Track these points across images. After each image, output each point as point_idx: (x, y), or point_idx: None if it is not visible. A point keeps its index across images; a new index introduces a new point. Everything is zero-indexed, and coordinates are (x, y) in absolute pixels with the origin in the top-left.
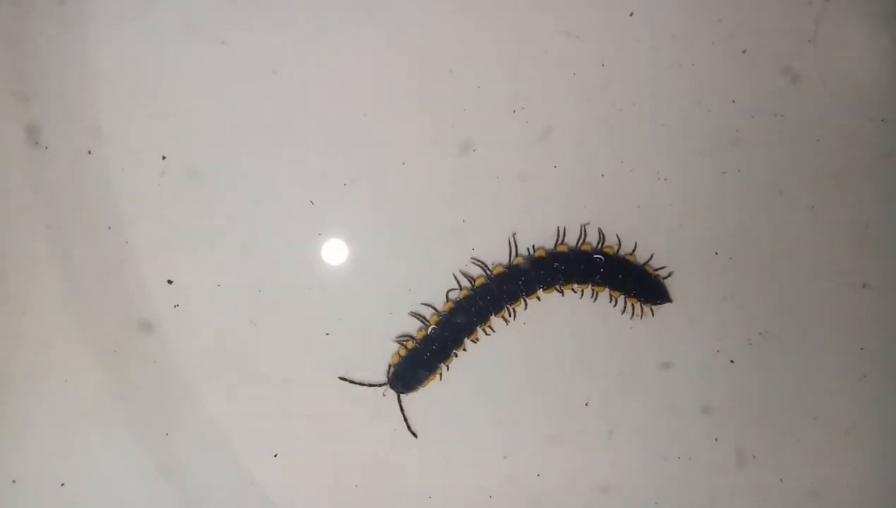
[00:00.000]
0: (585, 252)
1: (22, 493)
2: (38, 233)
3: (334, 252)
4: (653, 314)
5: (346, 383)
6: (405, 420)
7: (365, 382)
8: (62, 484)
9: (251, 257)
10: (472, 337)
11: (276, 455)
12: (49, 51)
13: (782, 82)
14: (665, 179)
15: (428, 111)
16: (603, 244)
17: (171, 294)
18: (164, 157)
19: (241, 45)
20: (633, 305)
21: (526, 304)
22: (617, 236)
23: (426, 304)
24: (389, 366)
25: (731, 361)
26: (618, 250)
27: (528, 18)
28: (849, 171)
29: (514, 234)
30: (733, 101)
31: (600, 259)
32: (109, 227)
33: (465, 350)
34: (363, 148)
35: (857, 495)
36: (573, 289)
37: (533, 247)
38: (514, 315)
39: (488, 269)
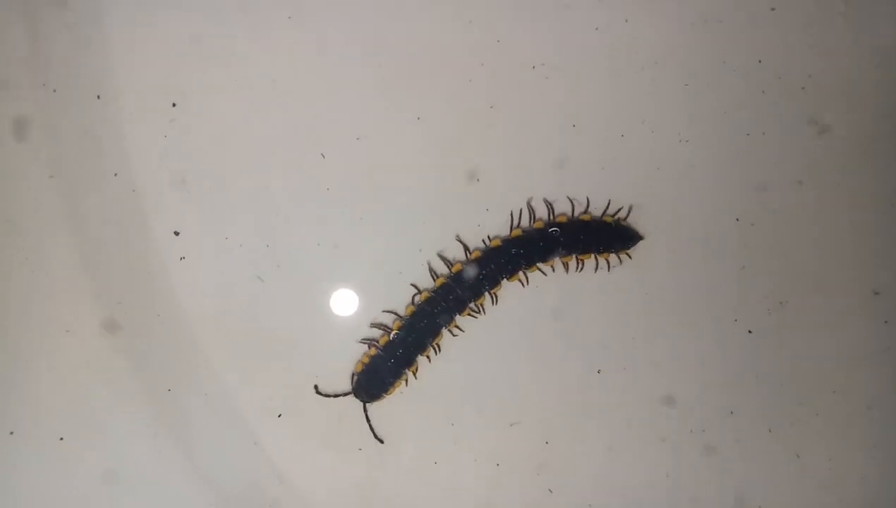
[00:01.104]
0: (539, 229)
1: (19, 445)
2: (45, 181)
3: (344, 208)
4: (630, 257)
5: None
6: (371, 428)
7: (331, 394)
8: (61, 438)
9: (260, 210)
10: (437, 341)
11: (279, 416)
12: None
13: (810, 41)
14: (686, 141)
15: (446, 64)
16: (554, 215)
17: (177, 245)
18: (174, 104)
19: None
20: (606, 259)
21: (494, 298)
22: (569, 199)
23: (389, 311)
24: (353, 374)
25: (749, 331)
26: (572, 213)
27: None
28: (878, 138)
29: (457, 236)
30: (759, 61)
31: (556, 231)
32: (116, 174)
33: (435, 352)
34: (377, 102)
35: (877, 471)
36: (541, 271)
37: (488, 237)
38: (483, 310)
39: (449, 266)
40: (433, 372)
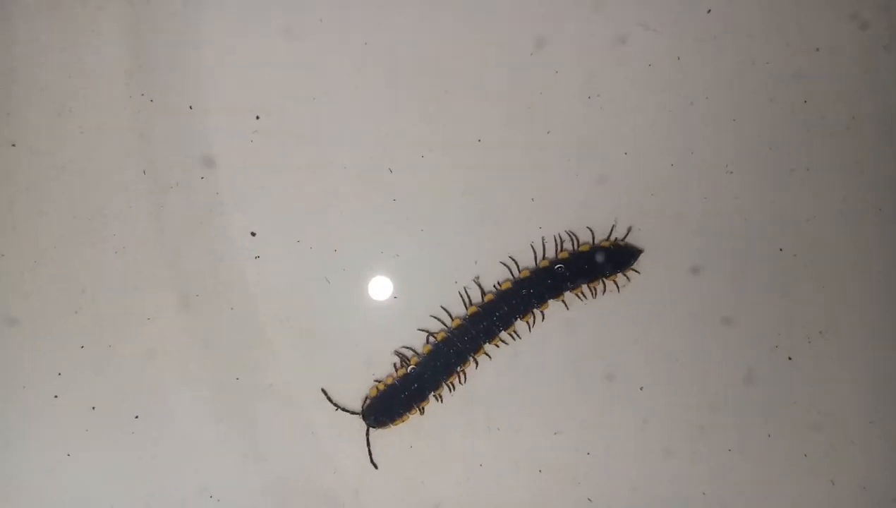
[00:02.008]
0: (546, 268)
1: (99, 419)
2: (137, 179)
3: (408, 220)
4: (638, 273)
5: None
6: (369, 451)
7: (340, 405)
8: (136, 417)
9: (330, 218)
10: (451, 380)
11: (336, 409)
12: (160, 10)
13: (857, 84)
14: (732, 172)
15: (508, 92)
16: (558, 250)
17: (253, 245)
18: (257, 117)
19: (335, 20)
20: (615, 281)
21: (510, 335)
22: (568, 234)
23: (407, 347)
24: (366, 398)
25: (790, 358)
26: (575, 246)
27: (608, 9)
28: None
29: (475, 278)
30: (805, 101)
31: (561, 267)
32: (202, 178)
33: (448, 392)
34: (442, 121)
35: None
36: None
37: (498, 282)
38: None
39: (467, 307)
40: (481, 376)
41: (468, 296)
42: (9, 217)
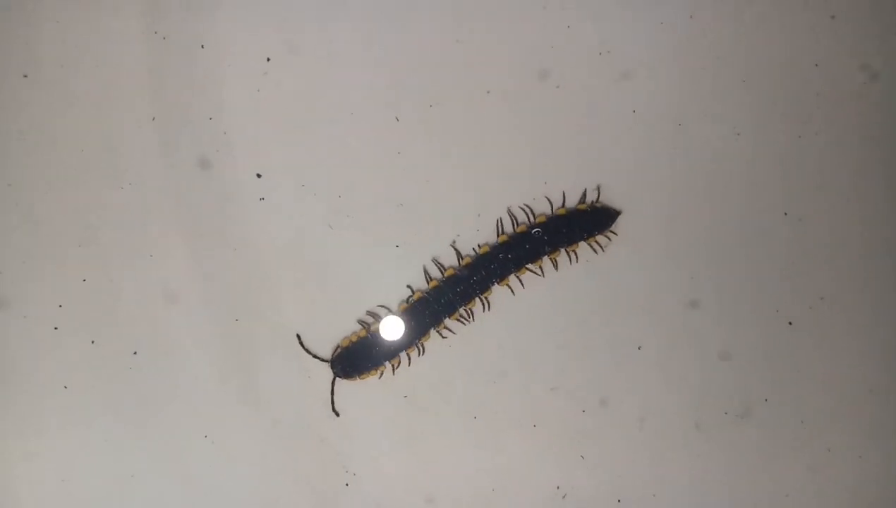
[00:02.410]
0: (523, 233)
1: (98, 353)
2: (147, 116)
3: (413, 170)
4: (616, 234)
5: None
6: (332, 399)
7: (311, 351)
8: (134, 353)
9: (336, 163)
10: (424, 341)
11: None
12: None
13: (867, 49)
14: (740, 134)
15: (517, 44)
16: (534, 217)
17: (258, 187)
18: (268, 59)
19: None
20: (595, 243)
21: (485, 303)
22: (547, 199)
23: (382, 306)
24: (337, 347)
25: (790, 323)
26: (552, 211)
27: None
28: None
29: (454, 242)
30: (816, 65)
31: (538, 231)
32: (210, 118)
33: (419, 353)
34: (451, 72)
35: None
36: (533, 271)
37: (478, 246)
38: (473, 316)
39: (443, 270)
40: (483, 328)
41: (458, 253)
42: (19, 146)
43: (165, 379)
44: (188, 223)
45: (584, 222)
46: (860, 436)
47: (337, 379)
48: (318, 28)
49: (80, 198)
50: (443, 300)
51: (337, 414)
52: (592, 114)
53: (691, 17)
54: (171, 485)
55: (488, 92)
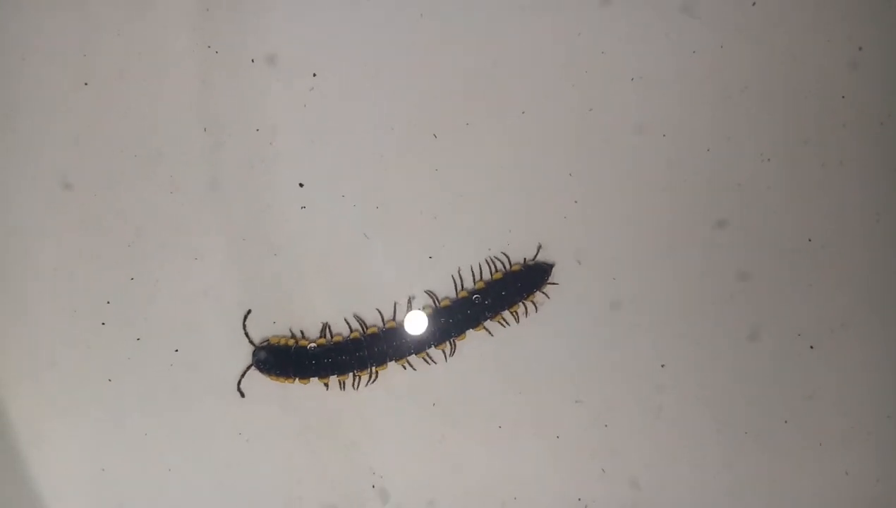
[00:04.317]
0: (465, 298)
1: (141, 349)
2: (196, 125)
3: (448, 185)
4: (557, 284)
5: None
6: (240, 380)
7: (246, 331)
8: (176, 350)
9: (375, 176)
10: (341, 378)
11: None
12: None
13: (893, 81)
14: (769, 160)
15: (553, 68)
16: (476, 280)
17: (300, 196)
18: (314, 74)
19: None
20: (532, 302)
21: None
22: (486, 261)
23: (357, 317)
24: (267, 339)
25: (811, 347)
26: (492, 273)
27: None
28: None
29: (410, 299)
30: (843, 97)
31: (478, 297)
32: (258, 129)
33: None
34: (488, 93)
35: None
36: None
37: (422, 306)
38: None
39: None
40: (511, 341)
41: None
42: (77, 150)
43: (204, 377)
44: (232, 228)
45: (521, 281)
46: (878, 460)
47: (252, 368)
48: (363, 47)
49: (132, 202)
50: (376, 349)
51: (242, 395)
52: (623, 136)
53: (721, 46)
54: (204, 480)
55: (523, 112)
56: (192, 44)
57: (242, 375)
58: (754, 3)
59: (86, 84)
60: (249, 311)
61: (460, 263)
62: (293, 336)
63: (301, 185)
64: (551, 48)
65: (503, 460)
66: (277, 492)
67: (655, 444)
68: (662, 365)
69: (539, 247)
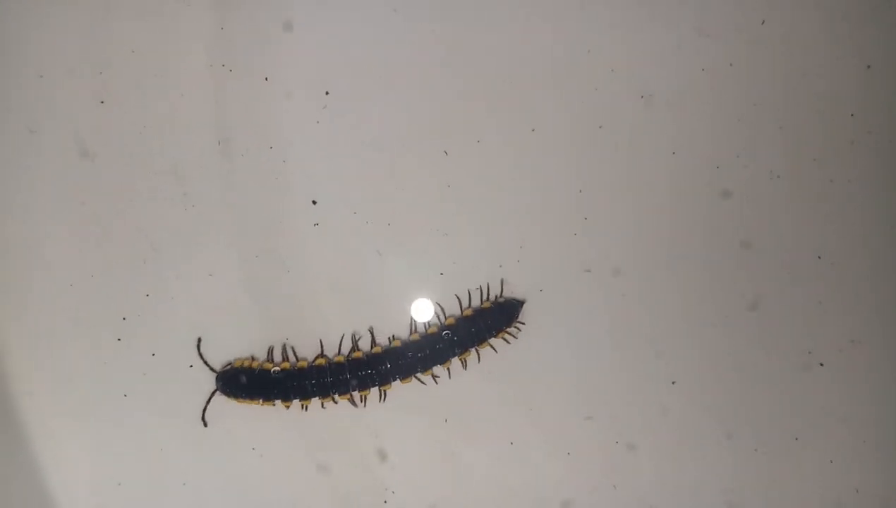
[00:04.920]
0: (434, 334)
1: (156, 365)
2: (211, 142)
3: (459, 202)
4: (524, 324)
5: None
6: (204, 408)
7: (204, 359)
8: (190, 366)
9: (387, 193)
10: (305, 403)
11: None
12: None
13: None
14: (778, 177)
15: (562, 85)
16: (445, 316)
17: (313, 213)
18: (327, 93)
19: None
20: (504, 338)
21: (383, 394)
22: (457, 297)
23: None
24: (229, 363)
25: (821, 364)
26: (462, 309)
27: (667, 13)
28: None
29: (370, 328)
30: (852, 115)
31: (448, 333)
32: (272, 147)
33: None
34: (498, 111)
35: None
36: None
37: (393, 336)
38: (365, 401)
39: (356, 349)
40: (519, 354)
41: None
42: (93, 167)
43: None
44: (246, 245)
45: (492, 319)
46: (888, 478)
47: (217, 393)
48: (375, 65)
49: (148, 218)
50: (339, 377)
51: (205, 424)
52: (633, 154)
53: (731, 64)
54: (218, 494)
55: (533, 130)
56: (207, 62)
57: (207, 402)
58: (764, 22)
59: (102, 102)
60: (200, 339)
61: (471, 280)
62: (253, 358)
63: (314, 203)
64: (561, 66)
65: (514, 476)
66: (290, 507)
67: (666, 461)
68: (673, 382)
69: (502, 282)
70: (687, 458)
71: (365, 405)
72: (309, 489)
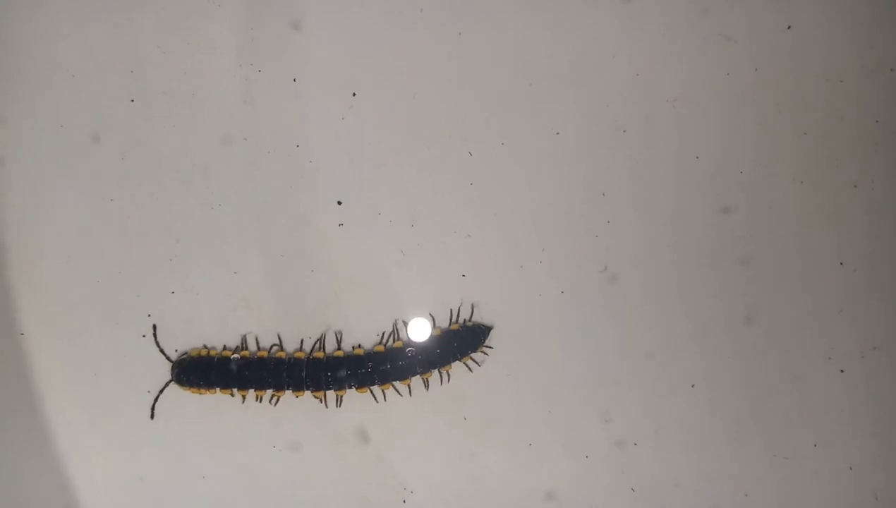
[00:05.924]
0: (399, 349)
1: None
2: (238, 142)
3: (482, 203)
4: (491, 348)
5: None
6: (155, 399)
7: (160, 347)
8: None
9: (411, 194)
10: (259, 394)
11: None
12: None
13: None
14: (801, 182)
15: (586, 89)
16: (408, 334)
17: (338, 213)
18: (354, 94)
19: (435, 10)
20: (466, 363)
21: (337, 398)
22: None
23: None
24: (185, 353)
25: (842, 370)
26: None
27: (692, 20)
28: None
29: (339, 333)
30: (877, 121)
31: (412, 351)
32: (298, 146)
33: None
34: (523, 113)
35: None
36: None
37: (358, 345)
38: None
39: (321, 351)
40: (539, 355)
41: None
42: (122, 165)
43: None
44: (271, 244)
45: (458, 342)
46: None
47: (172, 383)
48: (401, 67)
49: (174, 216)
50: (295, 372)
51: (152, 417)
52: (655, 159)
53: (756, 69)
54: (237, 489)
55: (557, 133)
56: (236, 62)
57: (160, 393)
58: (789, 27)
59: (132, 100)
60: (155, 327)
61: (493, 282)
62: (207, 347)
63: (339, 203)
64: (586, 70)
65: (532, 477)
66: (308, 505)
67: (684, 465)
68: (692, 386)
69: (473, 307)
70: (704, 463)
71: (339, 405)
72: (327, 488)
